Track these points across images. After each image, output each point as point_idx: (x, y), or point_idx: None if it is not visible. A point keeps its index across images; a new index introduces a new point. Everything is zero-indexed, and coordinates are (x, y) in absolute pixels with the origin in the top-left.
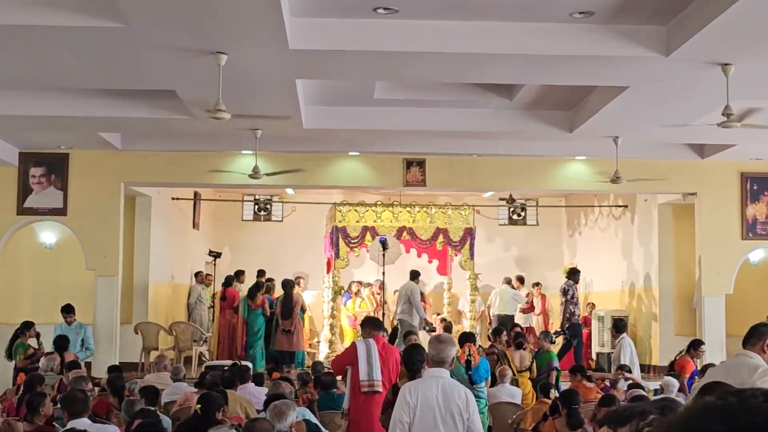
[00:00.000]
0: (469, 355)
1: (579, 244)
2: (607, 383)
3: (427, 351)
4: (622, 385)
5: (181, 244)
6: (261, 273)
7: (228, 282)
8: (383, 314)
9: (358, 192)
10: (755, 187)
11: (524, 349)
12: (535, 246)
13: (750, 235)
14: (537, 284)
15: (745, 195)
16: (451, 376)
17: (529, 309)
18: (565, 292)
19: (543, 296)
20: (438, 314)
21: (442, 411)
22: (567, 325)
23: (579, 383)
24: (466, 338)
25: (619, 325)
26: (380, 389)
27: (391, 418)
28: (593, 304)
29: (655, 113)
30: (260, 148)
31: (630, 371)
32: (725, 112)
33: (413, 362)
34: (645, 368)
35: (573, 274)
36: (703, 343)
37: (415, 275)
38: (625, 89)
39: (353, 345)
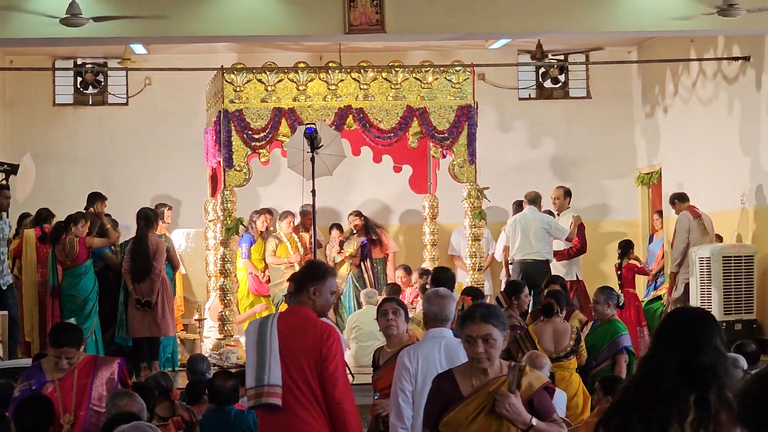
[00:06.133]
0: None
1: (664, 131)
2: None
3: (423, 309)
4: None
5: None
6: (93, 199)
7: (41, 219)
8: None
9: (265, 48)
10: None
11: (561, 318)
12: (585, 136)
13: None
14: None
15: None
16: None
17: (574, 249)
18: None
19: None
20: (406, 269)
21: None
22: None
23: None
24: (470, 294)
25: None
26: (276, 401)
27: (392, 388)
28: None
29: None
30: None
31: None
32: None
33: None
34: None
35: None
36: None
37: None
38: None
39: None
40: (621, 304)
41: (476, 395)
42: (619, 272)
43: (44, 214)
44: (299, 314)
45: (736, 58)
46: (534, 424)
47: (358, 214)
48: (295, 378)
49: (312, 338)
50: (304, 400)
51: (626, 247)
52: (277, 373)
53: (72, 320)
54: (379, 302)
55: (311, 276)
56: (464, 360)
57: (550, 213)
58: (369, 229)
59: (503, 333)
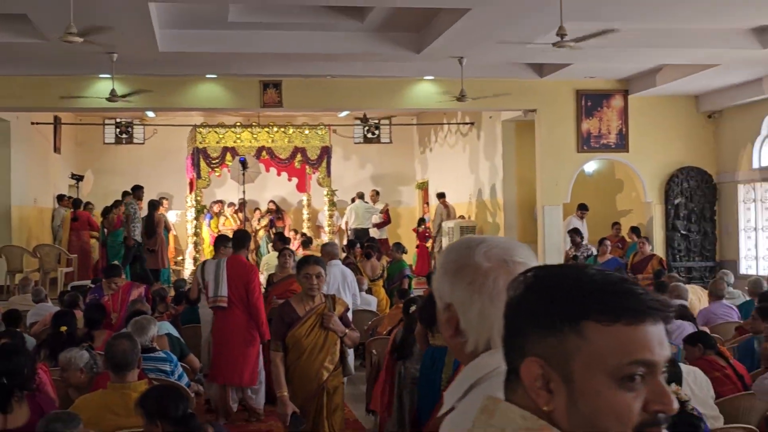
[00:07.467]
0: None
1: (430, 160)
2: None
3: (328, 250)
4: None
5: (43, 168)
6: (125, 195)
7: (77, 204)
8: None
9: (218, 114)
10: (589, 104)
11: (376, 259)
12: (389, 163)
13: (585, 148)
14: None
15: (580, 111)
16: None
17: (383, 222)
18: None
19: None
20: (296, 231)
21: (342, 285)
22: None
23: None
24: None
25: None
26: (223, 304)
27: None
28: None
29: (496, 34)
30: (117, 71)
31: None
32: (559, 33)
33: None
34: None
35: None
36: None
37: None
38: (467, 11)
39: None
40: (405, 251)
41: (309, 315)
42: (417, 234)
43: (77, 203)
44: (237, 259)
45: (467, 123)
46: (347, 332)
47: (271, 202)
48: (234, 292)
49: (242, 272)
50: (239, 304)
51: (421, 221)
52: (225, 289)
53: (116, 261)
54: (279, 250)
55: (244, 240)
56: (350, 276)
57: (367, 203)
58: (276, 212)
59: (326, 274)
